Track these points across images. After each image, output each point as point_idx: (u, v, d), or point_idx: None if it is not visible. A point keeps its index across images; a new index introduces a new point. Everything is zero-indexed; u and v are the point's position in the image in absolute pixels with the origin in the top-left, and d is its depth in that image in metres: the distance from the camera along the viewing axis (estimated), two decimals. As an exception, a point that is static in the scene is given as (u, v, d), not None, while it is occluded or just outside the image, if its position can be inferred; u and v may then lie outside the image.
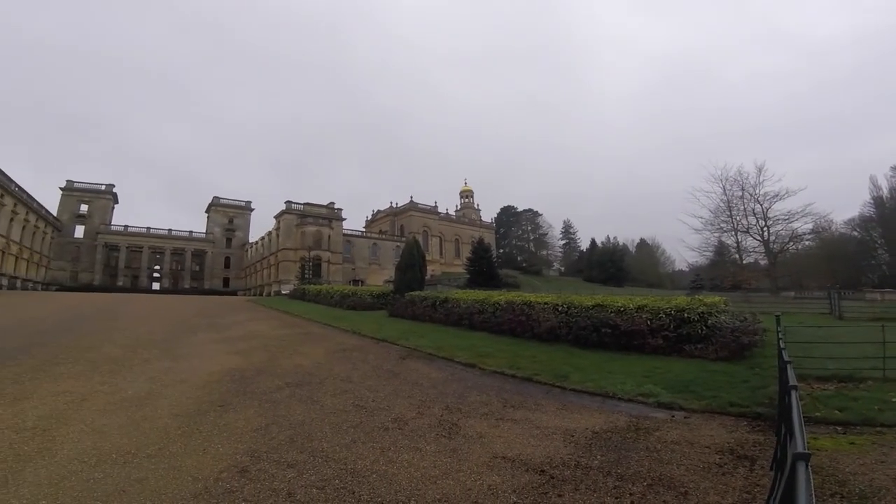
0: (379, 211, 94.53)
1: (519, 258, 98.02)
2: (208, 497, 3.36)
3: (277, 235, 65.15)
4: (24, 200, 52.05)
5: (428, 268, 28.16)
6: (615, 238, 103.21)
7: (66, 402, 5.93)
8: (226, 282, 78.24)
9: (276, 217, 66.68)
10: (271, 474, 3.84)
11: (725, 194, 41.50)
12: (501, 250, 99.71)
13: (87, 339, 12.04)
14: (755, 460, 4.16)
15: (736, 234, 41.40)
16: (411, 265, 23.88)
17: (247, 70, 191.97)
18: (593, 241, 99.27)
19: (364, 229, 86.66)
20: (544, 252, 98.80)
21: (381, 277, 67.51)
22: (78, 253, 66.71)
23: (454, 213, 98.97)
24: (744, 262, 43.58)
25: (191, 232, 76.71)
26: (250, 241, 79.88)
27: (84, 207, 68.88)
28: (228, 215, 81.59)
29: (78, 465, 3.88)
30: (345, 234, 69.78)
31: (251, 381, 7.45)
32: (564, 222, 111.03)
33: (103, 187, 71.24)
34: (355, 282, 64.53)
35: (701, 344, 9.34)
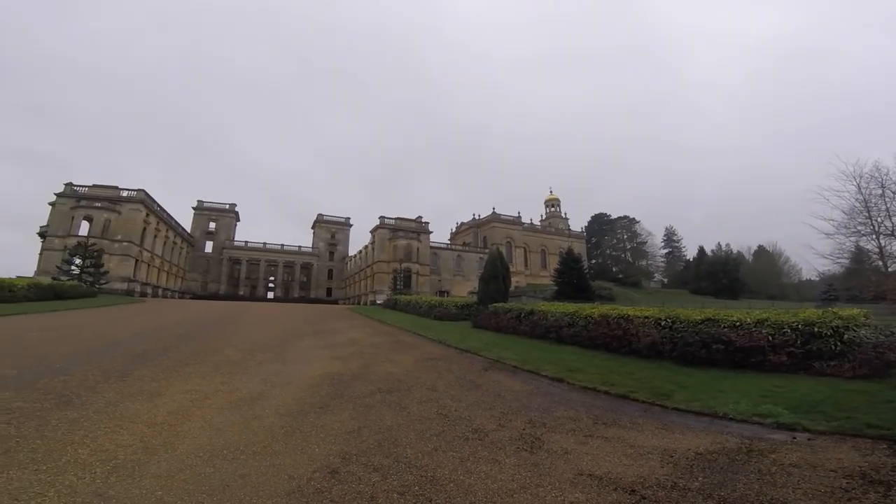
0: (462, 223, 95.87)
1: (614, 269, 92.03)
2: (300, 496, 3.58)
3: (373, 249, 69.41)
4: (166, 220, 61.97)
5: (512, 279, 27.77)
6: (727, 245, 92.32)
7: (192, 399, 6.62)
8: (329, 291, 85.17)
9: (371, 231, 71.19)
10: (358, 477, 4.00)
11: (861, 193, 34.87)
12: (593, 261, 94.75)
13: (212, 342, 13.62)
14: (891, 486, 3.53)
15: (878, 238, 34.64)
16: (494, 276, 23.82)
17: (336, 91, 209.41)
18: (701, 250, 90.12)
19: (449, 241, 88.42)
20: (643, 262, 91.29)
21: (465, 288, 68.24)
22: (207, 265, 77.44)
23: (539, 223, 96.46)
24: (889, 269, 36.34)
25: (299, 247, 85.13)
26: (349, 255, 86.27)
27: (212, 225, 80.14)
28: (331, 231, 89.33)
29: (193, 459, 4.27)
30: (431, 247, 71.99)
31: (347, 386, 7.90)
32: (666, 229, 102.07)
33: (227, 206, 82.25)
34: (441, 292, 66.07)
35: (834, 361, 8.05)
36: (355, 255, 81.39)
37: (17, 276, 32.75)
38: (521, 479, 4.06)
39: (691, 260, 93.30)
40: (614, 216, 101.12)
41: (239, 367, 9.43)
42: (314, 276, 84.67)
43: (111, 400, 6.17)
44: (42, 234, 49.80)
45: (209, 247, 78.86)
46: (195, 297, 66.79)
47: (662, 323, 11.00)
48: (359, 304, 64.86)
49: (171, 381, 7.70)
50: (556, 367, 9.73)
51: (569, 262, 47.05)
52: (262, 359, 10.79)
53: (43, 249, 47.98)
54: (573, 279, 44.95)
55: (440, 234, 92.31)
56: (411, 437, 5.16)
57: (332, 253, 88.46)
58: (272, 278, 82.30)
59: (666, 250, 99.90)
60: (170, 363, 9.45)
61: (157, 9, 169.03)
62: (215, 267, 77.60)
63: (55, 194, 50.37)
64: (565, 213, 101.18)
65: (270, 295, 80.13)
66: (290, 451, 4.59)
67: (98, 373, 7.86)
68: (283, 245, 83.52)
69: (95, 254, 41.94)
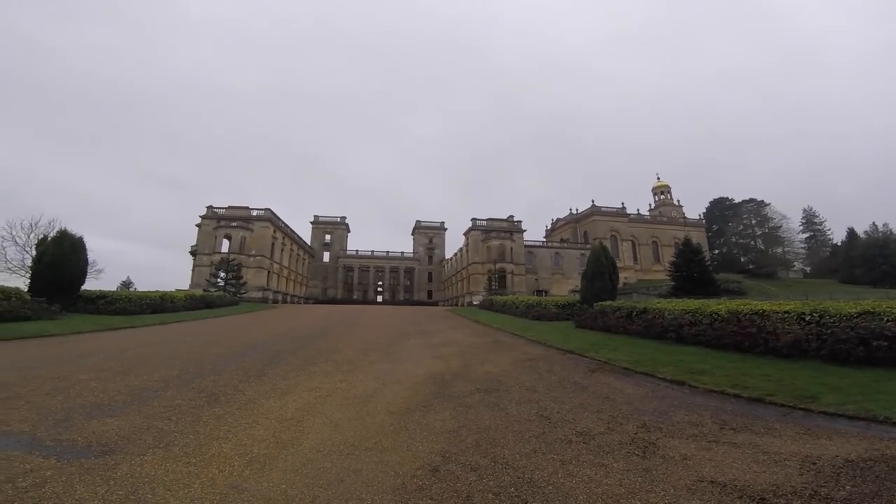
0: (558, 219, 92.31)
1: (742, 259, 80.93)
2: (403, 492, 3.69)
3: (467, 251, 70.43)
4: (289, 234, 69.80)
5: (620, 275, 25.98)
6: (885, 225, 75.49)
7: (316, 396, 7.19)
8: (429, 294, 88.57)
9: (464, 234, 72.31)
10: (456, 476, 4.03)
11: None
12: (716, 251, 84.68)
13: (333, 343, 14.92)
14: None
15: None
16: (599, 273, 22.50)
17: (422, 95, 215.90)
18: (851, 232, 75.57)
19: (544, 239, 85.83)
20: (778, 250, 78.64)
21: (564, 287, 65.69)
22: (326, 273, 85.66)
23: (648, 214, 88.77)
24: None
25: (402, 252, 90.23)
26: (446, 258, 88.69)
27: (328, 237, 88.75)
28: (428, 236, 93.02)
29: (315, 454, 4.60)
30: (526, 246, 70.56)
31: (449, 385, 8.06)
32: (805, 211, 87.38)
33: (338, 219, 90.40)
34: (538, 292, 64.42)
35: None
36: (451, 258, 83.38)
37: (176, 289, 39.43)
38: (630, 484, 3.79)
39: (839, 244, 78.46)
40: (737, 200, 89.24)
41: (355, 366, 10.13)
42: (416, 280, 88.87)
43: (250, 397, 6.97)
44: (193, 253, 59.43)
45: (326, 256, 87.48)
46: (317, 301, 74.14)
47: (807, 318, 9.57)
48: (456, 305, 66.19)
49: (299, 380, 8.48)
50: (675, 369, 8.91)
51: (687, 254, 42.35)
52: (375, 358, 11.51)
53: (194, 266, 57.29)
54: (693, 272, 40.38)
55: (534, 233, 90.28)
56: (509, 438, 5.08)
57: (430, 257, 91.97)
58: (380, 283, 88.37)
59: (806, 235, 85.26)
60: (298, 363, 10.47)
61: (248, 38, 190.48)
62: (332, 274, 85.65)
63: (200, 217, 59.78)
64: (678, 201, 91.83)
65: (380, 298, 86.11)
66: (397, 448, 4.78)
67: (240, 373, 8.97)
68: (387, 252, 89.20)
69: (236, 267, 48.71)
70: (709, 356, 10.34)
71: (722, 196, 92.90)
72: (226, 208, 60.83)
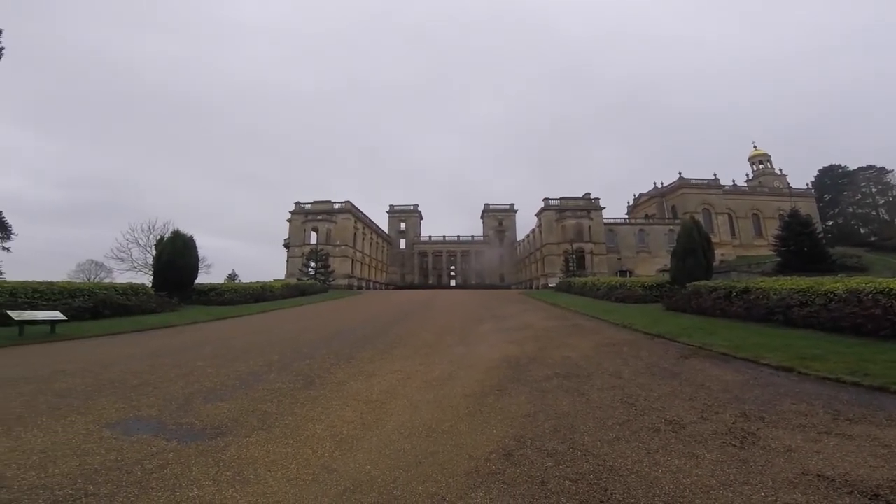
0: (641, 194, 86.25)
1: (862, 231, 70.43)
2: (476, 476, 3.74)
3: (540, 231, 68.69)
4: (369, 224, 73.37)
5: (716, 252, 23.74)
6: None
7: (398, 379, 7.50)
8: (501, 277, 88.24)
9: (536, 214, 70.51)
10: (531, 461, 4.00)
11: None
12: (829, 223, 74.31)
13: (412, 327, 15.49)
14: None
15: None
16: (692, 250, 20.78)
17: (484, 76, 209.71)
18: None
19: (626, 216, 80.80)
20: (906, 219, 67.16)
21: (651, 266, 61.61)
22: (403, 259, 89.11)
23: (745, 185, 79.85)
24: None
25: (472, 236, 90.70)
26: (518, 239, 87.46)
27: (403, 224, 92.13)
28: (498, 218, 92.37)
29: (396, 435, 4.79)
30: (605, 224, 67.05)
31: (524, 369, 7.99)
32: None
33: (412, 207, 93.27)
34: (622, 272, 61.08)
35: None
36: (523, 240, 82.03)
37: (274, 280, 43.39)
38: (723, 476, 3.54)
39: None
40: (852, 167, 77.05)
41: (433, 350, 10.44)
42: (487, 263, 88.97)
43: (341, 380, 7.48)
44: (286, 245, 64.90)
45: (403, 243, 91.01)
46: (396, 287, 77.51)
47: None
48: (530, 288, 65.12)
49: (383, 363, 8.93)
50: (782, 355, 8.06)
51: (794, 227, 37.46)
52: (450, 342, 11.77)
53: (288, 257, 62.64)
54: (802, 247, 35.72)
55: (613, 210, 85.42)
56: (590, 425, 4.93)
57: (501, 239, 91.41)
58: (452, 267, 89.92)
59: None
60: (381, 346, 11.04)
61: (304, 43, 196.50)
62: (409, 260, 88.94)
63: (290, 212, 65.14)
64: (780, 170, 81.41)
65: (453, 282, 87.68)
66: (472, 431, 4.85)
67: (332, 356, 9.67)
68: (458, 236, 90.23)
69: (324, 257, 52.47)
70: (822, 340, 9.24)
71: (833, 164, 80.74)
72: (311, 203, 65.48)
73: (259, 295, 29.33)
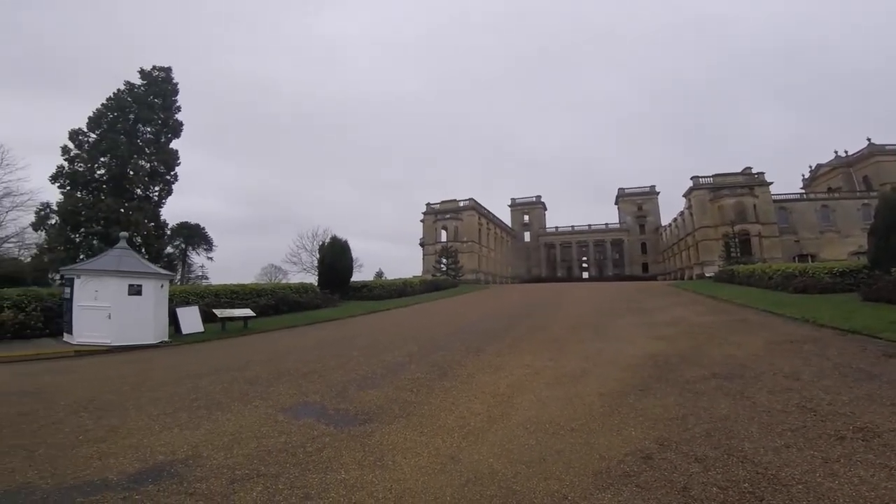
0: (819, 165, 70.14)
1: None
2: (606, 477, 3.51)
3: (690, 214, 60.76)
4: (492, 219, 74.38)
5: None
6: None
7: (525, 374, 7.45)
8: (644, 267, 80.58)
9: (684, 195, 62.49)
10: (674, 465, 3.64)
11: None
12: None
13: (540, 321, 15.23)
14: None
15: None
16: (898, 225, 16.25)
17: (600, 44, 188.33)
18: None
19: (803, 191, 66.50)
20: None
21: (840, 249, 49.85)
22: (528, 252, 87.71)
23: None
24: None
25: (606, 224, 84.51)
26: (663, 225, 78.80)
27: (526, 217, 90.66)
28: (636, 203, 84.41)
29: (521, 430, 4.75)
30: (775, 201, 56.06)
31: (673, 369, 7.23)
32: None
33: (534, 199, 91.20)
34: (801, 257, 50.61)
35: None
36: (669, 225, 73.37)
37: (413, 276, 46.84)
38: None
39: None
40: None
41: (563, 345, 10.12)
42: (626, 252, 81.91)
43: (470, 372, 7.74)
44: (421, 244, 69.64)
45: (527, 236, 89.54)
46: (522, 281, 76.92)
47: None
48: (681, 278, 58.08)
49: (511, 357, 8.97)
50: None
51: None
52: (584, 336, 11.25)
53: (423, 255, 67.13)
54: None
55: (783, 185, 70.98)
56: (752, 430, 4.30)
57: (642, 226, 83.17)
58: (584, 258, 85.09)
59: None
60: (509, 340, 11.09)
61: (403, 45, 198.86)
62: (534, 253, 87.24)
63: (422, 213, 69.97)
64: None
65: (585, 275, 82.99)
66: (605, 431, 4.58)
67: (463, 349, 10.06)
68: (589, 225, 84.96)
69: (453, 253, 54.90)
70: None
71: None
72: (439, 203, 69.21)
73: (401, 290, 32.05)
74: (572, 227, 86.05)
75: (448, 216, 66.13)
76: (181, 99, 36.01)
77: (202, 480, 3.61)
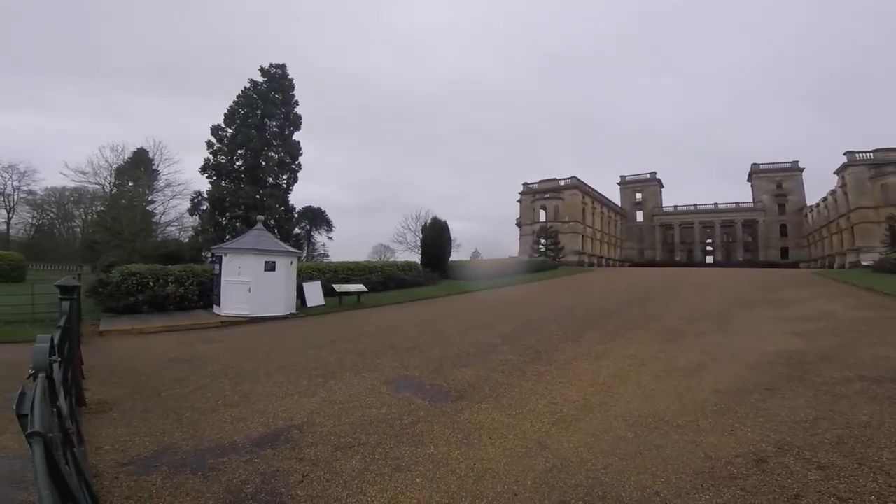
0: None
1: None
2: (708, 477, 3.27)
3: (844, 193, 50.45)
4: (597, 198, 69.95)
5: None
6: None
7: (630, 364, 7.06)
8: (784, 252, 69.37)
9: (836, 172, 51.94)
10: (790, 471, 3.28)
11: None
12: None
13: (651, 309, 14.12)
14: None
15: None
16: None
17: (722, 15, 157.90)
18: None
19: None
20: None
21: None
22: (641, 234, 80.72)
23: None
24: None
25: (736, 203, 73.96)
26: (808, 205, 66.71)
27: (638, 196, 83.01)
28: (774, 180, 72.33)
29: (619, 422, 4.55)
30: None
31: (810, 368, 6.34)
32: None
33: (647, 175, 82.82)
34: None
35: None
36: (817, 205, 61.66)
37: (509, 257, 46.69)
38: None
39: None
40: None
41: (677, 337, 9.36)
42: (761, 235, 70.95)
43: (567, 358, 7.57)
44: (518, 224, 68.61)
45: (639, 216, 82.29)
46: (633, 264, 71.39)
47: None
48: (830, 266, 48.90)
49: (614, 345, 8.56)
50: None
51: None
52: (702, 329, 10.26)
53: (520, 235, 66.17)
54: None
55: None
56: None
57: (781, 206, 71.05)
58: (709, 241, 75.63)
59: None
60: (613, 328, 10.57)
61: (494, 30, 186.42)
62: (648, 234, 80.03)
63: (519, 193, 68.62)
64: None
65: (709, 259, 73.91)
66: (716, 430, 4.24)
67: (560, 333, 9.85)
68: (715, 204, 74.93)
69: (553, 234, 53.26)
70: None
71: None
72: (537, 182, 67.18)
73: (497, 271, 32.26)
74: (694, 205, 76.74)
75: (547, 195, 63.80)
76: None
77: (311, 447, 4.03)
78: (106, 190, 40.37)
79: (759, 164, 74.48)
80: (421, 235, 32.37)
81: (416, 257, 32.51)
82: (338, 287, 16.93)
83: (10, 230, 48.52)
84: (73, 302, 5.70)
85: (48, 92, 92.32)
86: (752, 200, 73.90)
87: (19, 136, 73.10)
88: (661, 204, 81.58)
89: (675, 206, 78.57)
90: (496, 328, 10.74)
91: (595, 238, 67.69)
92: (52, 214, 51.41)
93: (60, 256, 43.72)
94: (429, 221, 31.84)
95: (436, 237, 29.63)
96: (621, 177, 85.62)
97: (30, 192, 48.59)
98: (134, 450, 3.94)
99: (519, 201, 69.20)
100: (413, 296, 19.49)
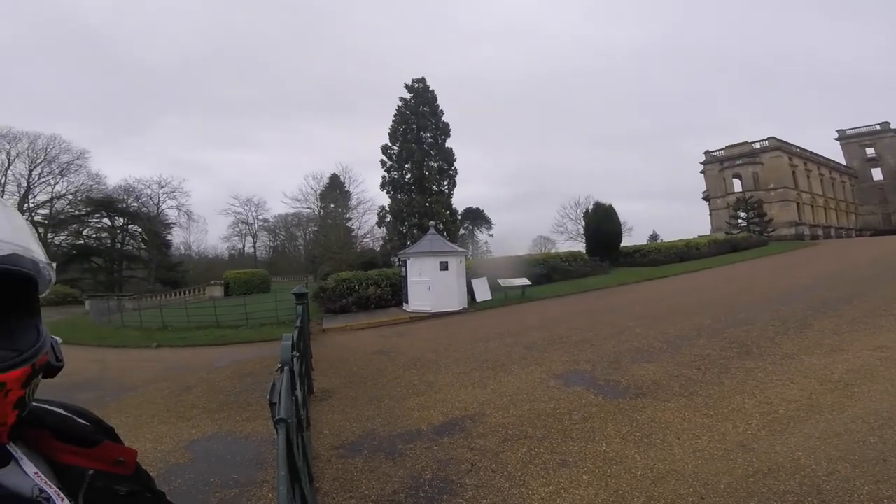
0: None
1: None
2: None
3: None
4: (810, 158, 55.03)
5: None
6: None
7: (879, 357, 5.57)
8: None
9: None
10: None
11: None
12: None
13: (908, 289, 10.59)
14: None
15: None
16: None
17: None
18: None
19: None
20: None
21: None
22: (884, 195, 60.68)
23: None
24: None
25: None
26: None
27: (870, 151, 62.33)
28: None
29: (859, 424, 3.65)
30: None
31: None
32: None
33: (877, 126, 61.31)
34: None
35: None
36: None
37: (699, 235, 40.12)
38: None
39: None
40: None
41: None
42: None
43: (788, 352, 6.23)
44: (706, 198, 58.67)
45: (875, 174, 61.91)
46: (876, 232, 54.09)
47: None
48: None
49: (856, 335, 6.83)
50: None
51: None
52: None
53: (711, 210, 56.46)
54: None
55: None
56: None
57: None
58: None
59: None
60: (855, 314, 8.36)
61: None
62: (893, 195, 59.74)
63: (701, 163, 58.43)
64: None
65: None
66: None
67: (777, 323, 8.13)
68: None
69: (756, 205, 44.14)
70: None
71: None
72: (723, 149, 56.55)
73: (684, 253, 28.03)
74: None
75: (740, 162, 53.08)
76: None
77: (482, 437, 4.21)
78: (315, 213, 50.13)
79: None
80: (583, 222, 30.76)
81: (579, 246, 31.06)
82: (502, 281, 17.30)
83: (256, 252, 64.04)
84: (305, 306, 7.21)
85: (258, 131, 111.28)
86: None
87: (247, 172, 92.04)
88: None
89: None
90: (690, 319, 9.46)
91: (816, 205, 53.55)
92: (282, 237, 65.84)
93: (291, 269, 55.47)
94: (590, 207, 30.07)
95: (601, 222, 27.60)
96: (839, 131, 65.64)
97: (265, 220, 63.65)
98: (344, 434, 4.67)
99: (702, 172, 59.25)
100: (579, 287, 18.58)
